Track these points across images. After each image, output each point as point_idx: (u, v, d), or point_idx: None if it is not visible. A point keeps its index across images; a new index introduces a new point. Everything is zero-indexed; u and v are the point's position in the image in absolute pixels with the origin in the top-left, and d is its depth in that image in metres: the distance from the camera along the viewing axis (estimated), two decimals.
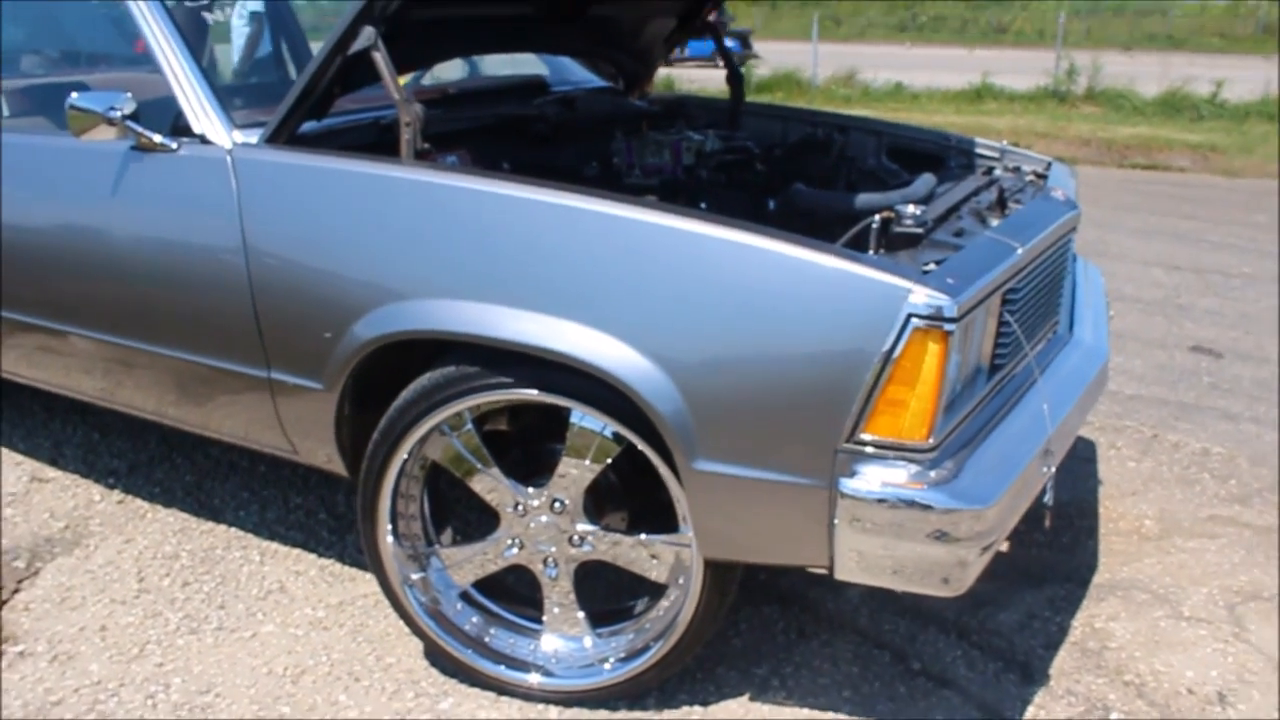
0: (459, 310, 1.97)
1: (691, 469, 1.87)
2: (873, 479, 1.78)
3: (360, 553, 2.83)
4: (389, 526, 2.22)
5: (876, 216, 2.08)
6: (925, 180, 2.58)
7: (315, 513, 3.06)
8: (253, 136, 2.35)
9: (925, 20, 36.99)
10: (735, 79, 3.48)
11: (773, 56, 18.70)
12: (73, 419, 3.77)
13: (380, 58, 2.15)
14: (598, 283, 1.88)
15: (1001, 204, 2.47)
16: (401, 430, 2.10)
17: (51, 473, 3.39)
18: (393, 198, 2.08)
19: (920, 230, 2.11)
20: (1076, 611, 2.63)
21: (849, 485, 1.78)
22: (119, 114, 2.33)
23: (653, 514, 2.19)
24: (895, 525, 1.78)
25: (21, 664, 2.43)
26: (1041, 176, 2.89)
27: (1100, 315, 2.78)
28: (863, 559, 1.83)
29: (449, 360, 2.06)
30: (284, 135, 2.30)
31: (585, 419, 2.02)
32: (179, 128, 2.45)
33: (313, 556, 2.84)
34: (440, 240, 2.02)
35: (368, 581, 2.71)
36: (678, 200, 2.47)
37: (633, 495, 2.18)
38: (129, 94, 2.37)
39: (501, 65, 3.67)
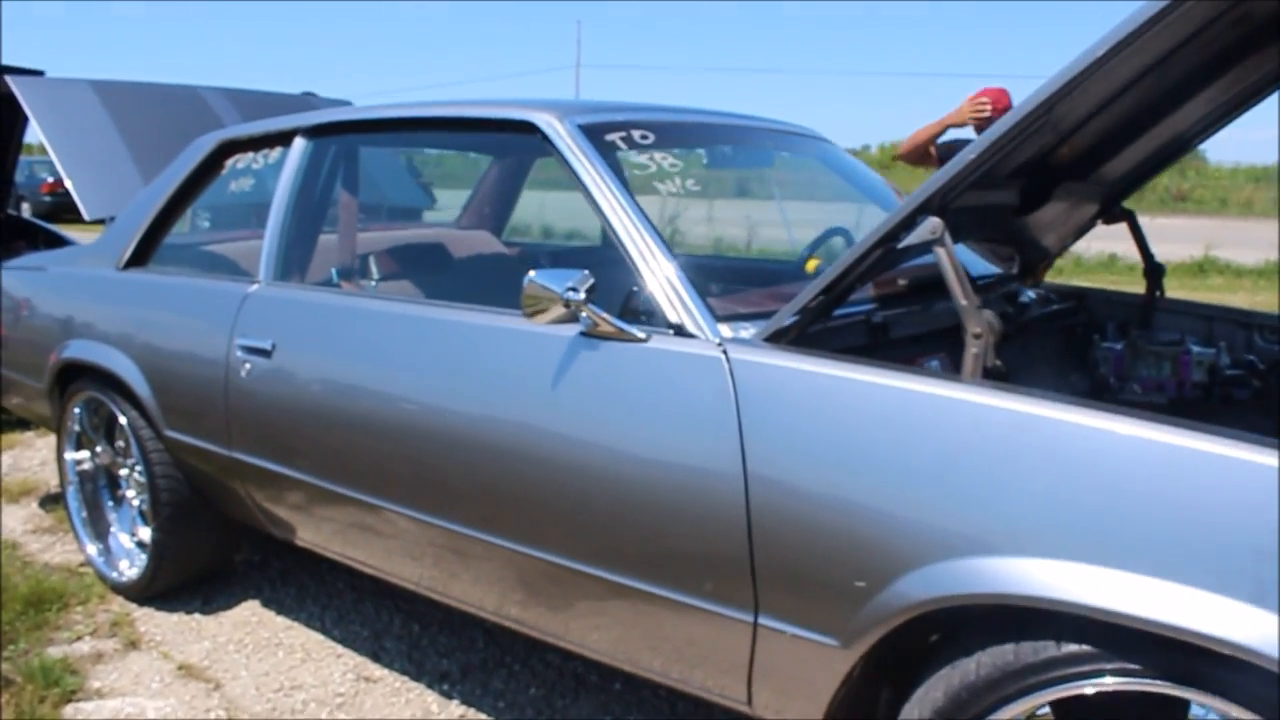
0: (1070, 575, 1.54)
1: None
2: None
3: None
4: None
5: None
6: None
7: None
8: (741, 331, 2.02)
9: None
10: (1155, 272, 3.07)
11: None
12: (385, 604, 3.45)
13: (946, 254, 1.80)
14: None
15: None
16: (972, 717, 1.67)
17: (377, 670, 3.05)
18: (964, 426, 1.68)
19: None
20: None
21: None
22: (580, 295, 2.03)
23: None
24: None
25: None
26: None
27: None
28: None
29: (1040, 634, 1.63)
30: (792, 334, 1.96)
31: (1211, 713, 1.57)
32: (631, 311, 2.15)
33: None
34: (1034, 485, 1.60)
35: None
36: None
37: None
38: (586, 271, 2.07)
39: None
